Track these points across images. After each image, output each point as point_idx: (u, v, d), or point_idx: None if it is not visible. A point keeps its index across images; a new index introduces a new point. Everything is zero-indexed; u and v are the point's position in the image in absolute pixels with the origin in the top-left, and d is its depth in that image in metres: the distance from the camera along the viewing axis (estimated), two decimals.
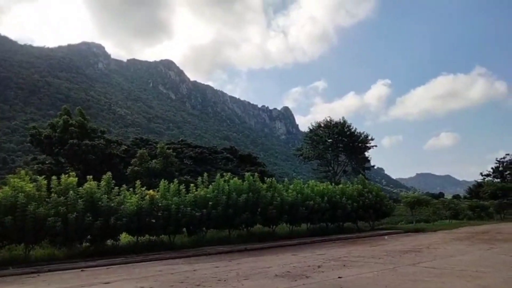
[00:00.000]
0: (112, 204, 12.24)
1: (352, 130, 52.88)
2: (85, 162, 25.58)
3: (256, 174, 17.00)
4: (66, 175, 12.31)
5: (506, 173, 50.90)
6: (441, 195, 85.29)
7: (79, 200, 11.55)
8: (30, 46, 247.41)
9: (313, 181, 20.75)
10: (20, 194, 10.80)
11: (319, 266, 8.17)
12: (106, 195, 12.36)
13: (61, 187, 11.78)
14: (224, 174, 16.77)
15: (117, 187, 12.94)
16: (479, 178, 54.76)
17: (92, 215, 11.49)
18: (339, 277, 6.73)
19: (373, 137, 53.26)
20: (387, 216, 21.18)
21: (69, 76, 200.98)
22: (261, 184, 16.34)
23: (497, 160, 54.01)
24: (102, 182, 12.66)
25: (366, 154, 53.85)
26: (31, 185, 11.34)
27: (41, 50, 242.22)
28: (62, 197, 11.47)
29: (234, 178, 16.01)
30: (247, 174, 16.63)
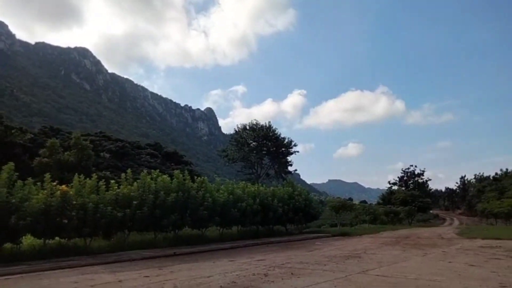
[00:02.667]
0: (13, 200, 10.15)
1: (277, 134, 53.87)
2: None
3: (186, 172, 15.76)
4: None
5: (410, 182, 56.23)
6: (350, 200, 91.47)
7: None
8: None
9: (243, 182, 20.14)
10: None
11: (265, 275, 7.40)
12: (6, 189, 10.22)
13: None
14: (152, 171, 15.31)
15: (20, 181, 10.80)
16: (386, 186, 59.80)
17: None
18: None
19: (296, 143, 54.83)
20: (315, 219, 21.42)
21: None
22: (191, 183, 15.20)
23: (403, 171, 59.57)
24: (2, 174, 10.46)
25: (289, 158, 55.21)
26: None
27: None
28: None
29: (163, 176, 14.63)
30: (176, 172, 15.36)
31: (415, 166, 64.81)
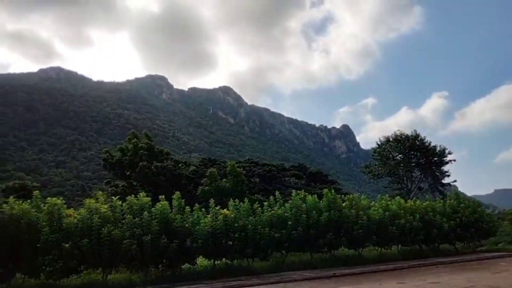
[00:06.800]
0: (187, 225, 11.42)
1: (426, 143, 48.82)
2: (156, 184, 25.76)
3: (332, 191, 15.37)
4: (138, 196, 11.81)
5: None
6: None
7: (153, 221, 10.87)
8: (102, 82, 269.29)
9: (398, 197, 18.63)
10: (95, 215, 10.39)
11: None
12: (179, 216, 11.61)
13: (136, 207, 11.22)
14: (298, 192, 15.42)
15: (188, 207, 12.15)
16: None
17: (167, 237, 10.72)
18: None
19: (451, 151, 48.62)
20: (491, 235, 18.27)
21: (137, 107, 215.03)
22: (341, 201, 14.70)
23: None
24: (173, 202, 11.95)
25: (444, 169, 49.16)
26: (105, 206, 10.92)
27: (112, 84, 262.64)
28: (136, 218, 10.88)
29: (310, 196, 14.57)
30: (325, 190, 15.13)
31: None
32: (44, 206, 10.31)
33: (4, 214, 9.70)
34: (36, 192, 11.14)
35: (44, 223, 9.93)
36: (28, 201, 10.65)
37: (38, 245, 9.73)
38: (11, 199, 10.17)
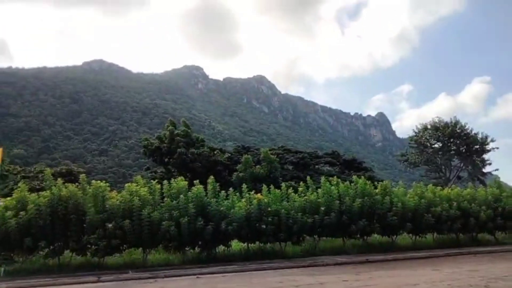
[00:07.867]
0: (222, 208, 11.79)
1: (467, 130, 46.70)
2: (192, 170, 26.60)
3: (363, 178, 15.26)
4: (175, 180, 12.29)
5: None
6: None
7: (189, 204, 11.31)
8: (142, 73, 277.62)
9: (431, 185, 18.16)
10: (135, 198, 10.95)
11: (486, 287, 6.30)
12: (214, 199, 12.00)
13: (173, 191, 11.71)
14: (330, 178, 15.41)
15: (223, 191, 12.51)
16: None
17: (203, 220, 11.13)
18: None
19: (493, 139, 46.35)
20: None
21: (174, 97, 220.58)
22: (373, 188, 14.56)
23: None
24: (208, 186, 12.34)
25: (485, 157, 46.98)
26: (145, 189, 11.47)
27: (151, 76, 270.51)
28: (174, 201, 11.37)
29: (344, 183, 14.54)
30: (354, 177, 15.09)
31: None
32: (90, 189, 10.99)
33: (54, 195, 10.44)
34: (82, 176, 11.85)
35: (90, 205, 10.58)
36: (75, 184, 11.41)
37: (84, 225, 10.43)
38: (59, 181, 10.91)
